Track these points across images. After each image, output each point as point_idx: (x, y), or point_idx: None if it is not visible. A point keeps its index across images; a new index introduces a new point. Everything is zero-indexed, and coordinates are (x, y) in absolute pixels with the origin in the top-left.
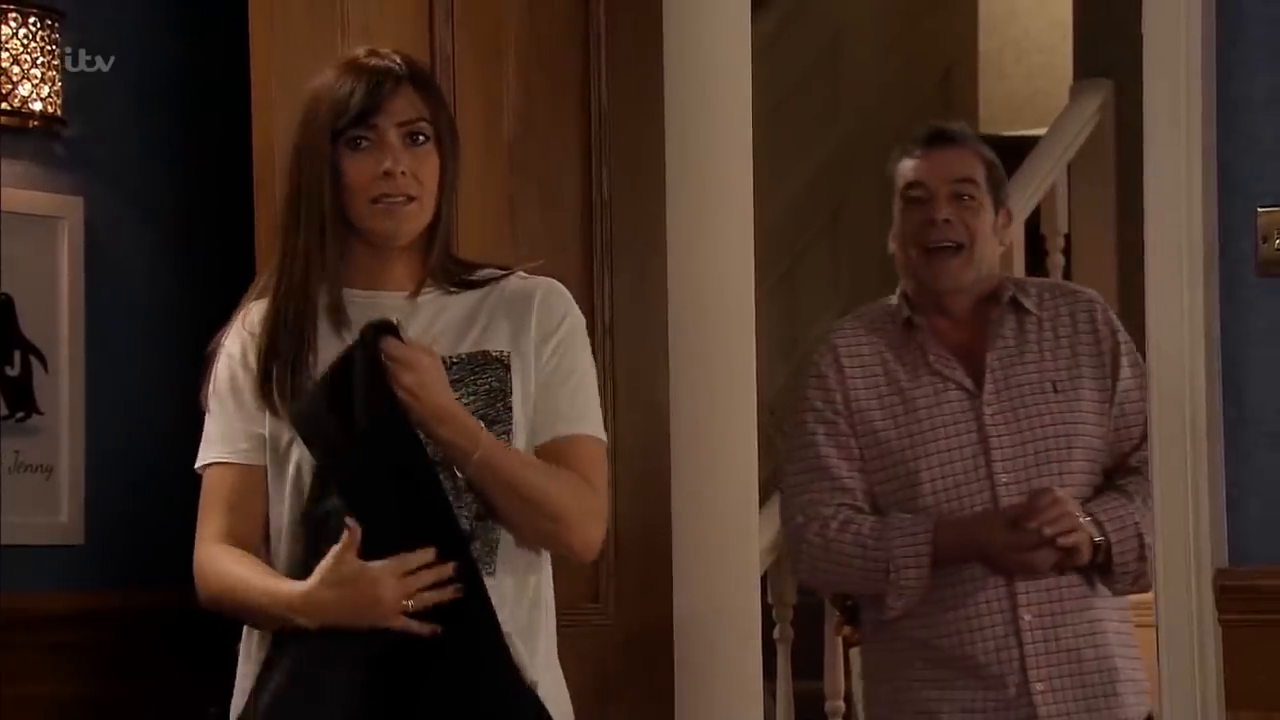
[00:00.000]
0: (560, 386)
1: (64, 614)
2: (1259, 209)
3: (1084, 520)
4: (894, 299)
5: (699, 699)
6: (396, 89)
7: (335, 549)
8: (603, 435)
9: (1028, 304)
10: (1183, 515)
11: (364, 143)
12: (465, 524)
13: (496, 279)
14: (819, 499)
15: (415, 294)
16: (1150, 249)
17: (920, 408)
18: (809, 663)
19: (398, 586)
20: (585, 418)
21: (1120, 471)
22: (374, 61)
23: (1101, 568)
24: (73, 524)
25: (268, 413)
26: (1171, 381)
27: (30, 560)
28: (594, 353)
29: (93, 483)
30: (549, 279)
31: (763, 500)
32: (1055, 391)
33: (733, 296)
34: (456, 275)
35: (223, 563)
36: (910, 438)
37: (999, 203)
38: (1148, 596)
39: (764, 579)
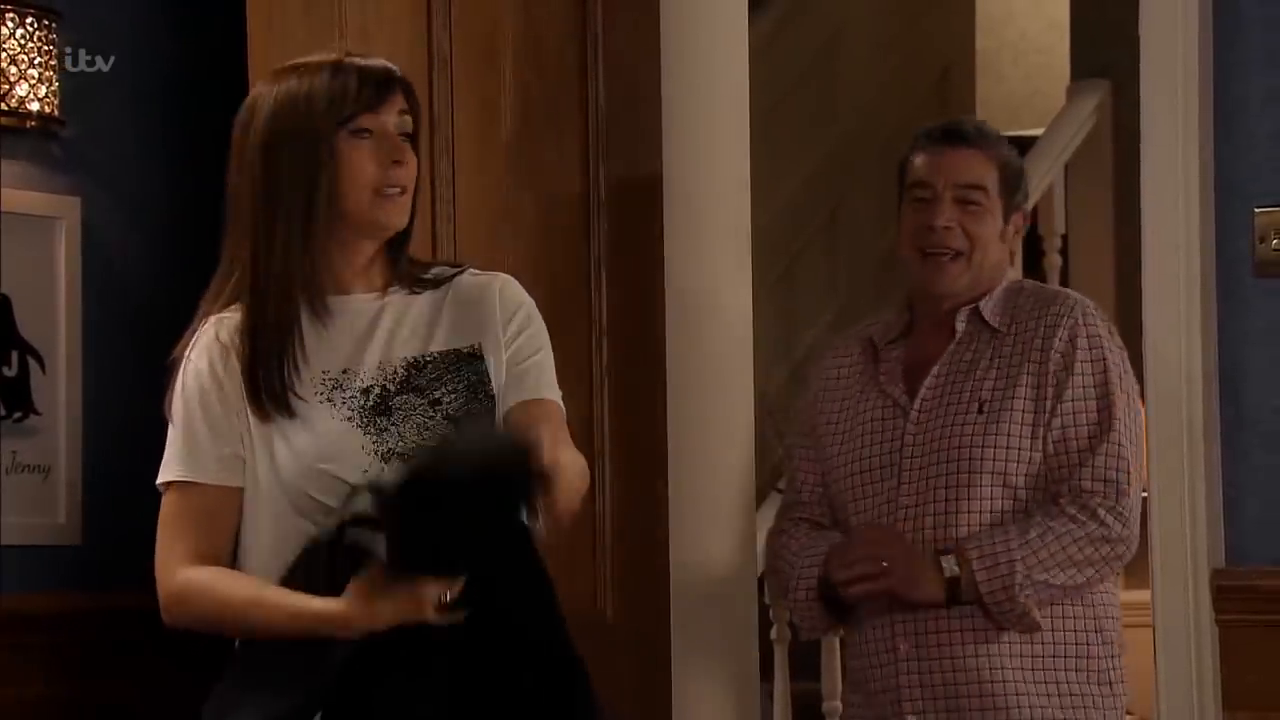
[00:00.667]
0: (527, 359)
1: (61, 615)
2: (1256, 209)
3: (945, 558)
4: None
5: (697, 699)
6: (396, 87)
7: (369, 573)
8: (561, 406)
9: (990, 317)
10: (1180, 515)
11: (366, 134)
12: None
13: (449, 277)
14: (782, 511)
15: (384, 293)
16: (1148, 250)
17: (859, 425)
18: (806, 663)
19: (440, 583)
20: (552, 387)
21: (1045, 499)
22: (366, 60)
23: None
24: (70, 525)
25: (253, 422)
26: (1169, 382)
27: (28, 561)
28: (590, 354)
29: (90, 484)
30: (503, 273)
31: (759, 502)
32: (980, 412)
33: (730, 297)
34: (416, 275)
35: (220, 584)
36: (847, 455)
37: (1013, 207)
38: (1143, 596)
39: (761, 580)
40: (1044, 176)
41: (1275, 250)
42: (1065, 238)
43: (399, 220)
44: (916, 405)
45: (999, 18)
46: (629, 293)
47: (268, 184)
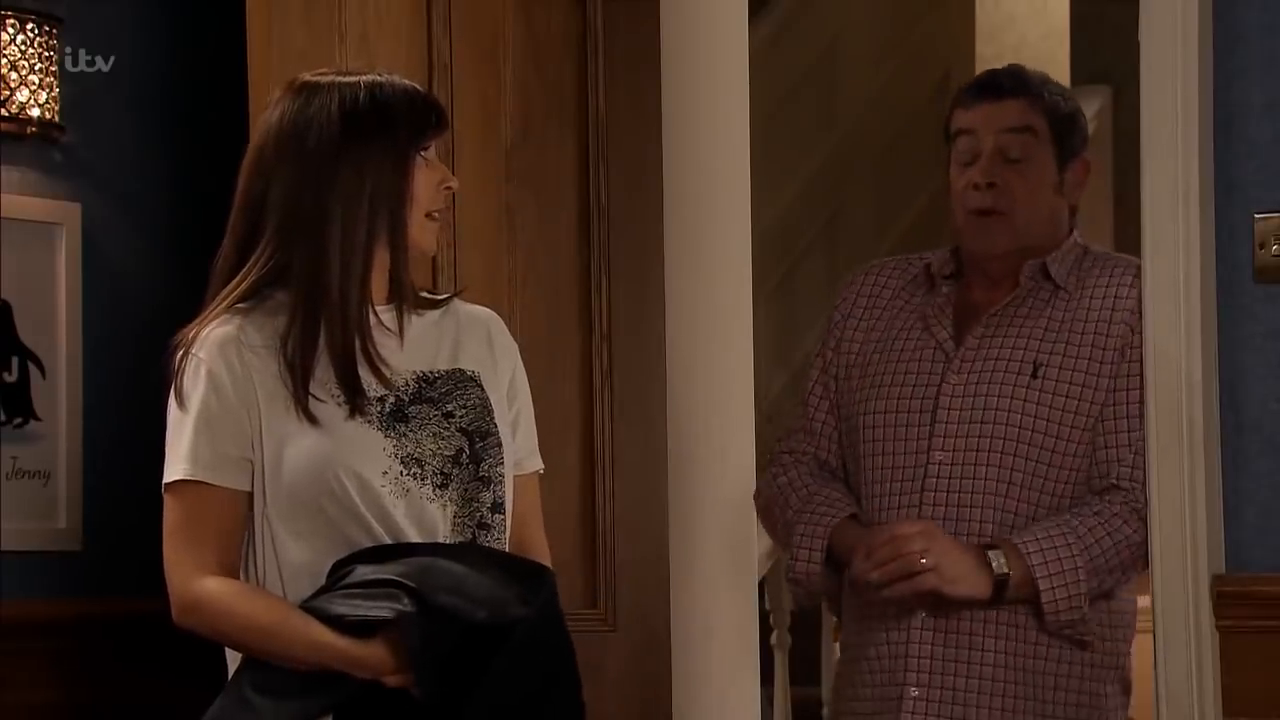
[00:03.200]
0: (526, 422)
1: (61, 620)
2: (1256, 215)
3: (992, 553)
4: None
5: (697, 705)
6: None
7: (403, 639)
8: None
9: (1056, 275)
10: (1180, 521)
11: (424, 158)
12: (483, 515)
13: (444, 300)
14: (789, 444)
15: (387, 306)
16: (1147, 255)
17: (894, 363)
18: (806, 669)
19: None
20: (537, 451)
21: (1089, 487)
22: (412, 83)
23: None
24: (70, 530)
25: (271, 424)
26: (1169, 387)
27: (28, 566)
28: (591, 357)
29: (90, 489)
30: (491, 311)
31: None
32: (1034, 376)
33: (730, 303)
34: (414, 293)
35: (243, 604)
36: (874, 395)
37: (1069, 152)
38: (1143, 601)
39: (761, 585)
40: None
41: (1275, 256)
42: None
43: (434, 245)
44: (961, 353)
45: (998, 24)
46: (630, 297)
47: (348, 190)
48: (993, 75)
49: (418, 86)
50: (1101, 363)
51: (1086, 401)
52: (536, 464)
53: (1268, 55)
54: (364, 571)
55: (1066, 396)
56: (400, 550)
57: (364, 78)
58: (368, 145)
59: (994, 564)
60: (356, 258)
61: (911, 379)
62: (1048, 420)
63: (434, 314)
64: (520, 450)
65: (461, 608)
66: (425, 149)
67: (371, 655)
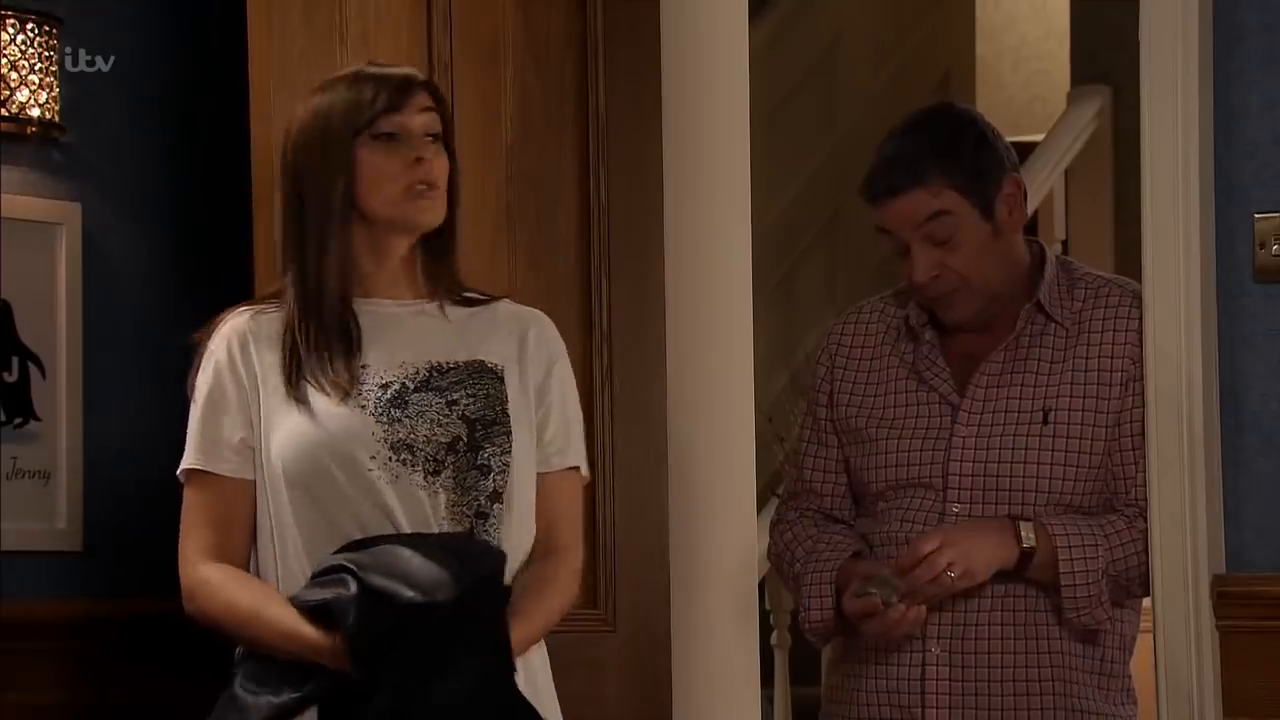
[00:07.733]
0: (557, 419)
1: (62, 621)
2: (1256, 215)
3: (1020, 533)
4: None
5: (697, 705)
6: (418, 89)
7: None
8: (586, 468)
9: (1053, 310)
10: (1180, 521)
11: (389, 137)
12: (480, 504)
13: (488, 300)
14: (790, 502)
15: (418, 301)
16: (1147, 255)
17: (899, 421)
18: (806, 669)
19: None
20: (579, 450)
21: (1106, 506)
22: (387, 68)
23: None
24: (71, 530)
25: (268, 408)
26: (1169, 388)
27: (28, 567)
28: (591, 358)
29: (91, 489)
30: (539, 311)
31: (760, 506)
32: (1045, 422)
33: (731, 303)
34: (457, 291)
35: (228, 589)
36: (884, 452)
37: (989, 194)
38: (1144, 601)
39: (762, 584)
40: (1044, 182)
41: (1275, 256)
42: (1065, 243)
43: (428, 217)
44: (967, 404)
45: (999, 24)
46: (630, 297)
47: (296, 193)
48: (882, 174)
49: (383, 72)
50: (1108, 400)
51: (1099, 441)
52: (567, 460)
53: (1268, 55)
54: (335, 559)
55: (1079, 439)
56: (378, 540)
57: (348, 70)
58: (307, 146)
59: (1023, 535)
60: (326, 242)
61: (921, 433)
62: (1064, 465)
63: (469, 310)
64: (549, 447)
65: (392, 589)
66: (379, 132)
67: (327, 642)
